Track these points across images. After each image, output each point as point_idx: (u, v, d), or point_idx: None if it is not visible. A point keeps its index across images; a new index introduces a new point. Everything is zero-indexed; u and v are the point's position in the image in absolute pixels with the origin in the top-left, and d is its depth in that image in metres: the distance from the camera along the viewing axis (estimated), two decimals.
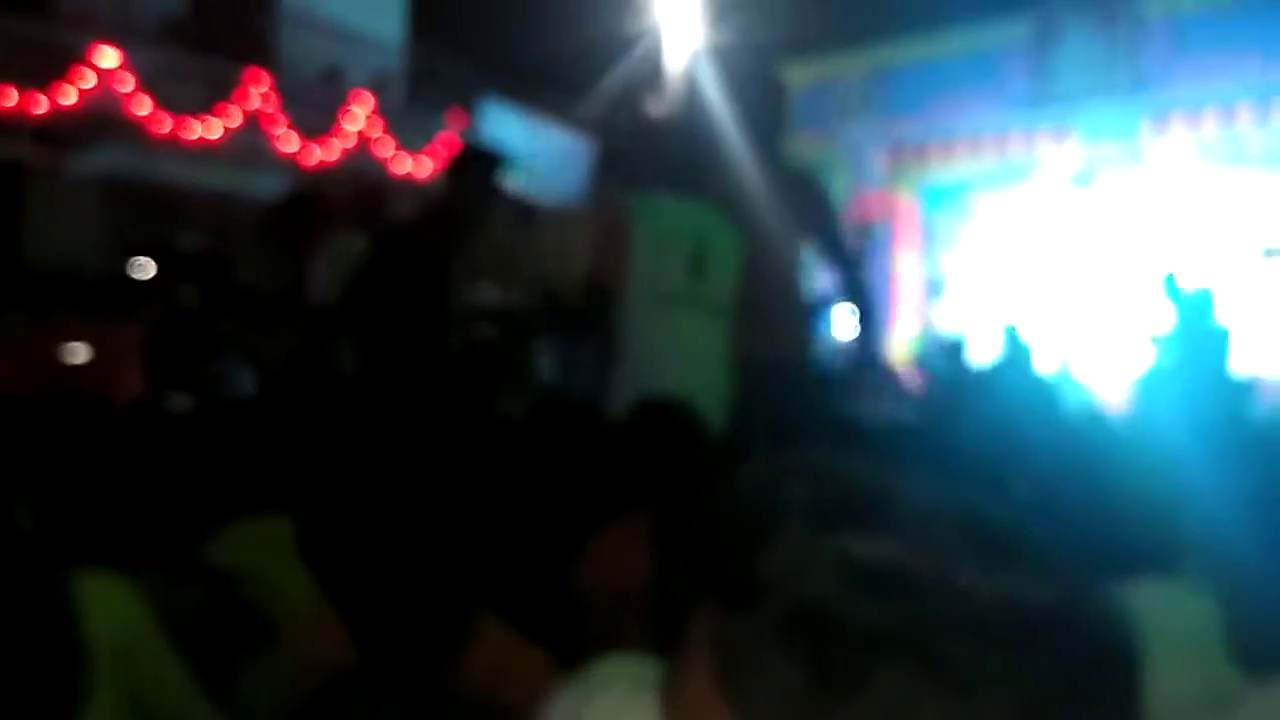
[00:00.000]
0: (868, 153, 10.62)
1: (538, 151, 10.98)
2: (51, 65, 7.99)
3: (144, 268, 7.75)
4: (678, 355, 2.95)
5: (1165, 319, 5.40)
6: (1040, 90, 9.66)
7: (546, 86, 11.32)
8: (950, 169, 10.55)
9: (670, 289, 2.97)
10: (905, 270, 10.87)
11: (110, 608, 1.44)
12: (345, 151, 10.01)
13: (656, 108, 11.26)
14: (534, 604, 1.78)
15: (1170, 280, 5.37)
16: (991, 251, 10.56)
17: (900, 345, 10.33)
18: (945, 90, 9.99)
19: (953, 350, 7.92)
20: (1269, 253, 9.00)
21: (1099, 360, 8.72)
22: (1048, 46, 9.56)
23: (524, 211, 11.07)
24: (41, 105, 7.96)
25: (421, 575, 1.36)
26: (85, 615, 1.37)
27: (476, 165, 3.75)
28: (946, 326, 9.96)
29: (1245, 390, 5.82)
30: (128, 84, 8.45)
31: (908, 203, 10.95)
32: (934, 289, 10.71)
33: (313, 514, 1.87)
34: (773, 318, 3.25)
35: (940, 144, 10.26)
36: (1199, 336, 5.19)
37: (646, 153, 11.34)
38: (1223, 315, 5.48)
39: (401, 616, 1.31)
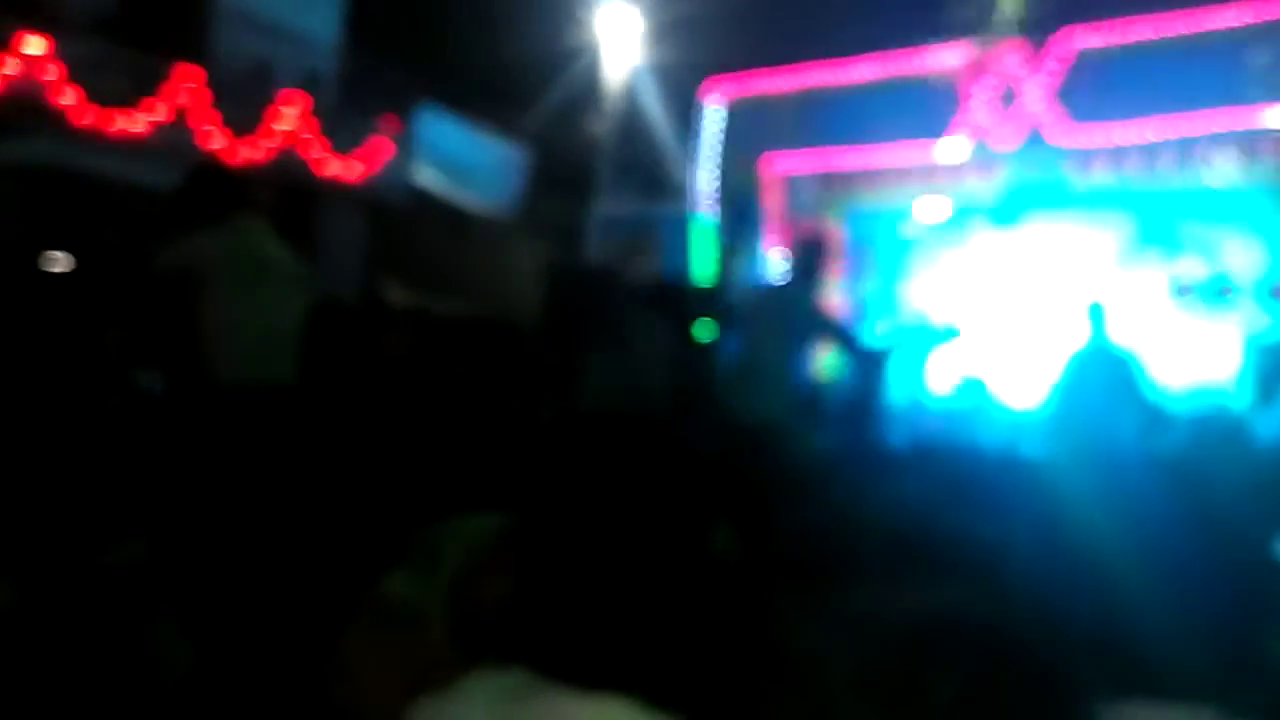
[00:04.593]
0: (799, 179, 10.79)
1: (472, 159, 10.96)
2: None
3: (60, 261, 7.57)
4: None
5: (1080, 346, 5.57)
6: (974, 123, 9.91)
7: (484, 96, 11.30)
8: (879, 197, 10.76)
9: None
10: (833, 295, 11.04)
11: None
12: (272, 151, 9.90)
13: (593, 122, 11.33)
14: None
15: (1091, 309, 5.55)
16: (919, 278, 10.78)
17: (822, 364, 10.49)
18: (876, 118, 10.18)
19: (873, 364, 8.03)
20: (1180, 290, 9.33)
21: (1020, 382, 8.95)
22: (976, 80, 9.81)
23: (458, 219, 11.06)
24: None
25: None
26: None
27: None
28: (872, 347, 10.14)
29: (1159, 417, 6.04)
30: (53, 73, 8.28)
31: (836, 229, 11.13)
32: (860, 313, 10.89)
33: None
34: None
35: (870, 172, 10.46)
36: (1108, 362, 5.37)
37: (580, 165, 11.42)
38: (1131, 343, 5.69)
39: None
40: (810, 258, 5.00)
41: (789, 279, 5.24)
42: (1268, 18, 8.42)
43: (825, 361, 10.50)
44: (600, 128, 11.54)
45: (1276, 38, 8.45)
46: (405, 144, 10.93)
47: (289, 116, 10.00)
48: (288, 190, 9.02)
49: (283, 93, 10.04)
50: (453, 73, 11.06)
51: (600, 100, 11.65)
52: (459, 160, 10.99)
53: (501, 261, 10.63)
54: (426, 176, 10.89)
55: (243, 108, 9.61)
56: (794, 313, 4.68)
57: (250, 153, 9.58)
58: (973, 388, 8.53)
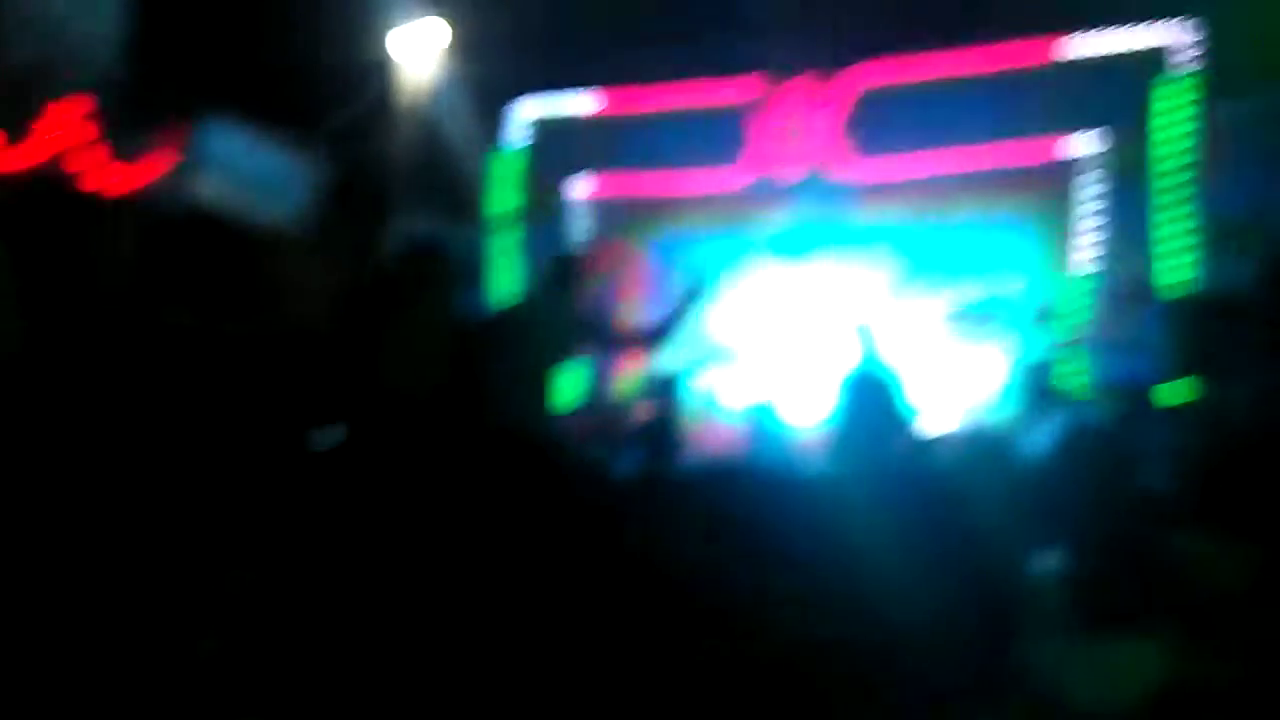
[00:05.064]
0: (600, 203, 10.90)
1: (262, 173, 10.50)
2: None
3: None
4: None
5: (850, 368, 5.83)
6: (760, 156, 10.27)
7: (277, 108, 10.85)
8: (680, 224, 11.00)
9: None
10: (633, 318, 11.19)
11: None
12: (43, 159, 9.18)
13: (393, 138, 11.06)
14: None
15: (859, 330, 5.81)
16: (714, 303, 11.05)
17: (626, 387, 10.61)
18: (675, 146, 10.41)
19: (667, 388, 8.17)
20: (954, 316, 9.95)
21: (806, 404, 9.30)
22: (765, 113, 10.18)
23: (246, 234, 10.53)
24: None
25: None
26: None
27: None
28: (668, 368, 10.33)
29: (918, 437, 6.40)
30: None
31: (638, 253, 11.30)
32: (659, 336, 11.04)
33: None
34: None
35: (669, 199, 10.67)
36: (874, 383, 5.65)
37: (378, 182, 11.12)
38: (899, 365, 6.00)
39: None
40: (562, 271, 5.01)
41: (541, 292, 5.23)
42: (1041, 60, 9.12)
43: (623, 384, 10.64)
44: (400, 144, 11.27)
45: (1048, 78, 9.15)
46: (190, 155, 10.37)
47: (64, 123, 9.31)
48: (60, 202, 8.40)
49: (59, 98, 9.34)
50: (244, 83, 10.58)
51: (401, 116, 11.39)
52: (248, 173, 10.50)
53: (292, 279, 10.21)
54: (212, 189, 10.35)
55: (13, 113, 8.88)
56: (546, 327, 4.69)
57: (18, 161, 8.86)
58: (762, 411, 8.82)
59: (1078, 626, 3.50)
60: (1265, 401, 6.35)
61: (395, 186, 11.00)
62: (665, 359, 10.40)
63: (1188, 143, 8.55)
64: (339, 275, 10.49)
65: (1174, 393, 7.82)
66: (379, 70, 11.08)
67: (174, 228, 10.18)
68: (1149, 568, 3.55)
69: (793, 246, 10.51)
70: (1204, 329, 8.03)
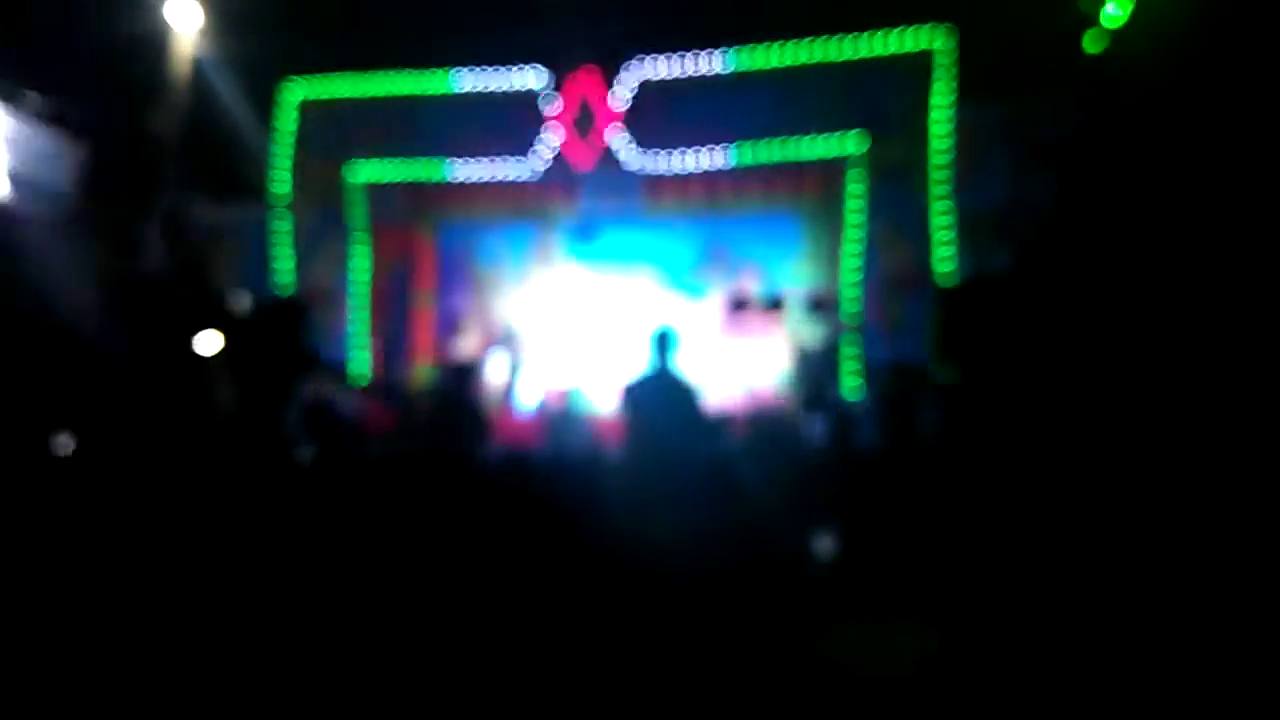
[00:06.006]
0: (386, 188, 10.62)
1: (19, 154, 9.65)
2: None
3: None
4: None
5: (644, 369, 5.94)
6: (548, 145, 10.27)
7: (33, 84, 9.98)
8: (468, 211, 10.87)
9: None
10: (422, 306, 11.01)
11: None
12: None
13: (159, 117, 10.38)
14: None
15: (655, 337, 5.92)
16: (512, 293, 11.02)
17: (418, 375, 10.44)
18: (460, 132, 10.27)
19: (459, 375, 8.09)
20: (736, 305, 10.30)
21: (605, 390, 9.41)
22: (557, 102, 10.19)
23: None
24: None
25: None
26: None
27: None
28: (460, 356, 10.21)
29: (714, 428, 6.60)
30: None
31: (427, 241, 11.10)
32: (449, 323, 10.93)
33: None
34: None
35: (456, 185, 10.52)
36: (669, 386, 5.78)
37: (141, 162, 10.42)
38: (689, 367, 6.17)
39: None
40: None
41: None
42: (824, 58, 9.51)
43: (419, 372, 10.46)
44: (167, 123, 10.59)
45: (823, 78, 9.56)
46: None
47: None
48: None
49: None
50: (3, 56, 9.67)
51: (168, 94, 10.71)
52: (7, 150, 9.62)
53: (48, 266, 9.43)
54: None
55: None
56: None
57: None
58: (569, 396, 8.90)
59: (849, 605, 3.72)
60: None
61: (165, 165, 10.34)
62: (463, 347, 10.33)
63: (946, 142, 9.16)
64: (105, 258, 9.80)
65: (940, 372, 8.38)
66: (147, 46, 10.38)
67: None
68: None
69: (588, 233, 10.60)
70: (964, 313, 8.64)
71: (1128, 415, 5.27)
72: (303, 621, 3.65)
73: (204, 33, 10.19)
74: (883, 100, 9.36)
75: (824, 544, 4.12)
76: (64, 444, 4.25)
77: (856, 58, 9.47)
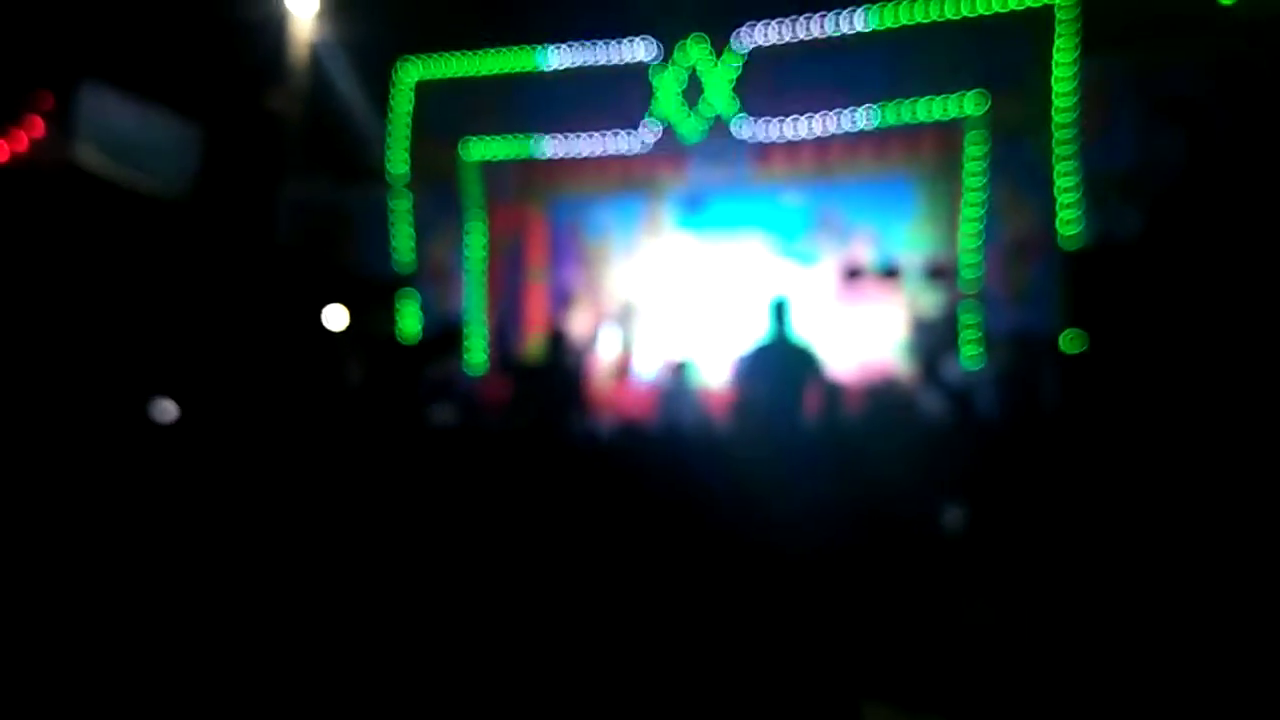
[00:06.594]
0: (499, 166, 10.72)
1: (141, 138, 10.07)
2: None
3: None
4: None
5: (761, 337, 5.88)
6: (657, 117, 10.22)
7: (156, 71, 10.39)
8: (579, 186, 10.91)
9: None
10: (535, 281, 11.13)
11: None
12: None
13: (276, 100, 10.70)
14: None
15: (772, 305, 5.85)
16: (623, 265, 11.05)
17: (531, 350, 10.57)
18: (571, 107, 10.27)
19: (557, 349, 8.13)
20: (850, 274, 10.13)
21: (718, 364, 9.38)
22: (665, 73, 10.12)
23: (124, 202, 10.11)
24: None
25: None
26: None
27: None
28: (569, 331, 10.31)
29: (836, 397, 6.51)
30: None
31: (538, 217, 11.20)
32: (562, 298, 11.02)
33: None
34: None
35: (567, 161, 10.55)
36: (787, 353, 5.71)
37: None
38: (808, 333, 6.08)
39: None
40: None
41: None
42: (944, 16, 9.23)
43: (533, 347, 10.58)
44: (287, 106, 10.90)
45: (939, 37, 9.28)
46: (63, 122, 9.88)
47: None
48: None
49: None
50: (120, 46, 10.09)
51: (288, 78, 11.01)
52: (126, 139, 10.05)
53: (174, 246, 9.85)
54: (88, 156, 9.88)
55: None
56: None
57: None
58: (682, 369, 8.88)
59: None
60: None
61: (285, 150, 10.66)
62: (576, 322, 10.42)
63: (1070, 100, 8.79)
64: (228, 241, 10.17)
65: (1067, 342, 8.10)
66: (265, 30, 10.69)
67: (53, 196, 9.74)
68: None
69: (699, 205, 10.55)
70: (1093, 279, 8.33)
71: (1269, 393, 5.00)
72: (429, 591, 3.73)
73: (320, 16, 10.42)
74: (1002, 57, 9.01)
75: (953, 518, 4.02)
76: (166, 409, 4.44)
77: (975, 14, 9.14)
